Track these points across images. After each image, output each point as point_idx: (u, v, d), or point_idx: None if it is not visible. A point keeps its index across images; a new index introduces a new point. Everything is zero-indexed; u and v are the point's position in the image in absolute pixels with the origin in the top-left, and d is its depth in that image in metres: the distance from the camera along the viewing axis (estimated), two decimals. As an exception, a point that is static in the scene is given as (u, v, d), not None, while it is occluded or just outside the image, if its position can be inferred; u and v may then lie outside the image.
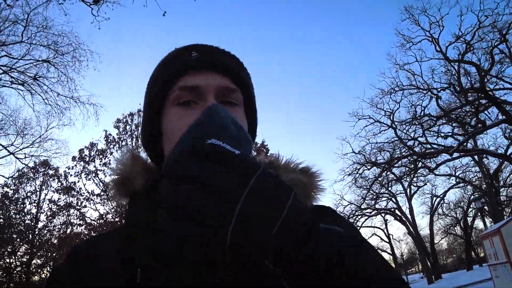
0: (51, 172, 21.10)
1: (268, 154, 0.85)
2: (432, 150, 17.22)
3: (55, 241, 20.93)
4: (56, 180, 20.14)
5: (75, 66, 13.62)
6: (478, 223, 34.56)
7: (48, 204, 20.79)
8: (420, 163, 19.03)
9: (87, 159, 18.65)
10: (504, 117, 14.82)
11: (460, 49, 15.74)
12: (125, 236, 0.67)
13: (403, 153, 18.81)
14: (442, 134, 17.42)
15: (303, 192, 0.74)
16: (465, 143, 16.19)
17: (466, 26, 19.06)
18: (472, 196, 28.04)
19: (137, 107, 19.41)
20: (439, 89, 16.88)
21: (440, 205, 32.40)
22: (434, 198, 31.69)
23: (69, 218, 19.67)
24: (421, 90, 17.38)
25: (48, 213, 20.63)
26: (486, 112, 17.30)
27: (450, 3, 26.63)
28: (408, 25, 18.29)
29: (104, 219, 18.03)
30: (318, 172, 0.80)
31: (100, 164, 18.45)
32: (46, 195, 21.93)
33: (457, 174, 25.71)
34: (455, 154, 16.32)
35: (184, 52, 0.79)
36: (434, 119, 17.60)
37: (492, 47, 15.09)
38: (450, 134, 17.61)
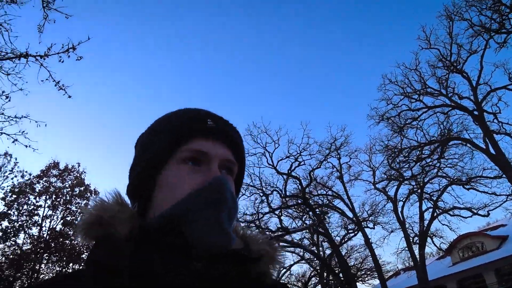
0: None
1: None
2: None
3: None
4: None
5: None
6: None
7: None
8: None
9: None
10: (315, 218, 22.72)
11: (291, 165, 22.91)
12: (100, 278, 0.66)
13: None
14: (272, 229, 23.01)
15: (269, 262, 0.84)
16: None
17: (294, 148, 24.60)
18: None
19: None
20: (268, 193, 23.06)
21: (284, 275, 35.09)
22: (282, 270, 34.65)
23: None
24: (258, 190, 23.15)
25: None
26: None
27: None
28: (249, 140, 22.30)
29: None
30: (279, 247, 0.88)
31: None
32: None
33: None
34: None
35: (198, 116, 0.86)
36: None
37: (312, 170, 23.04)
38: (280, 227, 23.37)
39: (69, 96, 9.73)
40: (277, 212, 23.11)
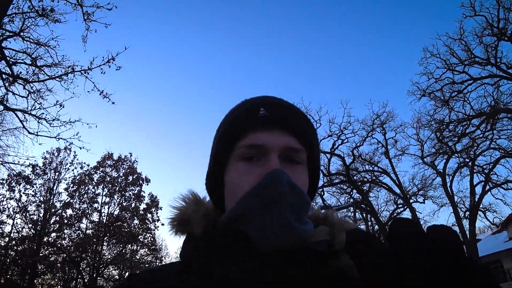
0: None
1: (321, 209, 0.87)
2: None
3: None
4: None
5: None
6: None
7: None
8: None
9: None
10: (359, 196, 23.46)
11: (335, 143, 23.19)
12: (180, 274, 0.73)
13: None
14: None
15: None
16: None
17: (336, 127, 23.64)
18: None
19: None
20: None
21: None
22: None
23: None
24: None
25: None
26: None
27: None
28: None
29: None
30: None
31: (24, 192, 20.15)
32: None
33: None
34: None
35: (251, 108, 0.81)
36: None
37: (355, 147, 23.12)
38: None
39: (113, 103, 11.15)
40: (319, 191, 23.30)
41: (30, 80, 10.37)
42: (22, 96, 10.35)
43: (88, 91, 10.87)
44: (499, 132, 20.58)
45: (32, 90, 10.33)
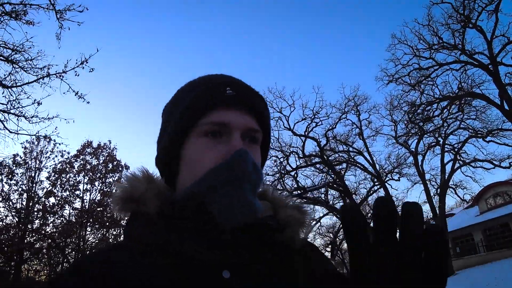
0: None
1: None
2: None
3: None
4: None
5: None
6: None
7: None
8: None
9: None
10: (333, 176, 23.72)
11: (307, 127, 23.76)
12: (140, 254, 0.68)
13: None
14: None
15: (297, 227, 0.81)
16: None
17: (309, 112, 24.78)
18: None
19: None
20: (288, 153, 24.02)
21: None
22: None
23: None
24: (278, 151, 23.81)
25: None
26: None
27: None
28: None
29: None
30: (309, 210, 0.86)
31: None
32: None
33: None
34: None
35: (217, 86, 0.81)
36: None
37: (328, 129, 23.89)
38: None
39: (88, 102, 11.67)
40: (292, 173, 24.12)
41: (9, 86, 10.86)
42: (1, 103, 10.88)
43: (64, 92, 11.37)
44: (469, 113, 21.32)
45: (11, 97, 10.85)
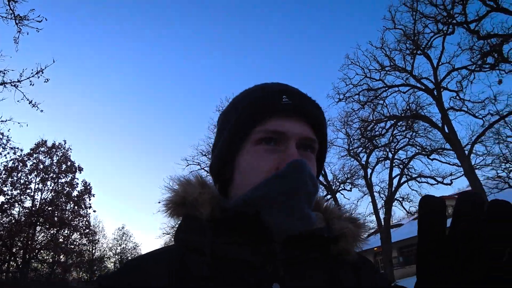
0: None
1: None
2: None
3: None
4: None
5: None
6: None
7: None
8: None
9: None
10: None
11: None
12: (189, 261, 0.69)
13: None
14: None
15: (351, 240, 0.78)
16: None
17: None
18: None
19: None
20: None
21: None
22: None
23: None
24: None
25: None
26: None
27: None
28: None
29: None
30: (365, 223, 0.84)
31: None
32: None
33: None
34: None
35: (274, 94, 0.80)
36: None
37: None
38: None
39: (41, 111, 12.03)
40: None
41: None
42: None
43: (18, 101, 11.70)
44: (417, 132, 22.52)
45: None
